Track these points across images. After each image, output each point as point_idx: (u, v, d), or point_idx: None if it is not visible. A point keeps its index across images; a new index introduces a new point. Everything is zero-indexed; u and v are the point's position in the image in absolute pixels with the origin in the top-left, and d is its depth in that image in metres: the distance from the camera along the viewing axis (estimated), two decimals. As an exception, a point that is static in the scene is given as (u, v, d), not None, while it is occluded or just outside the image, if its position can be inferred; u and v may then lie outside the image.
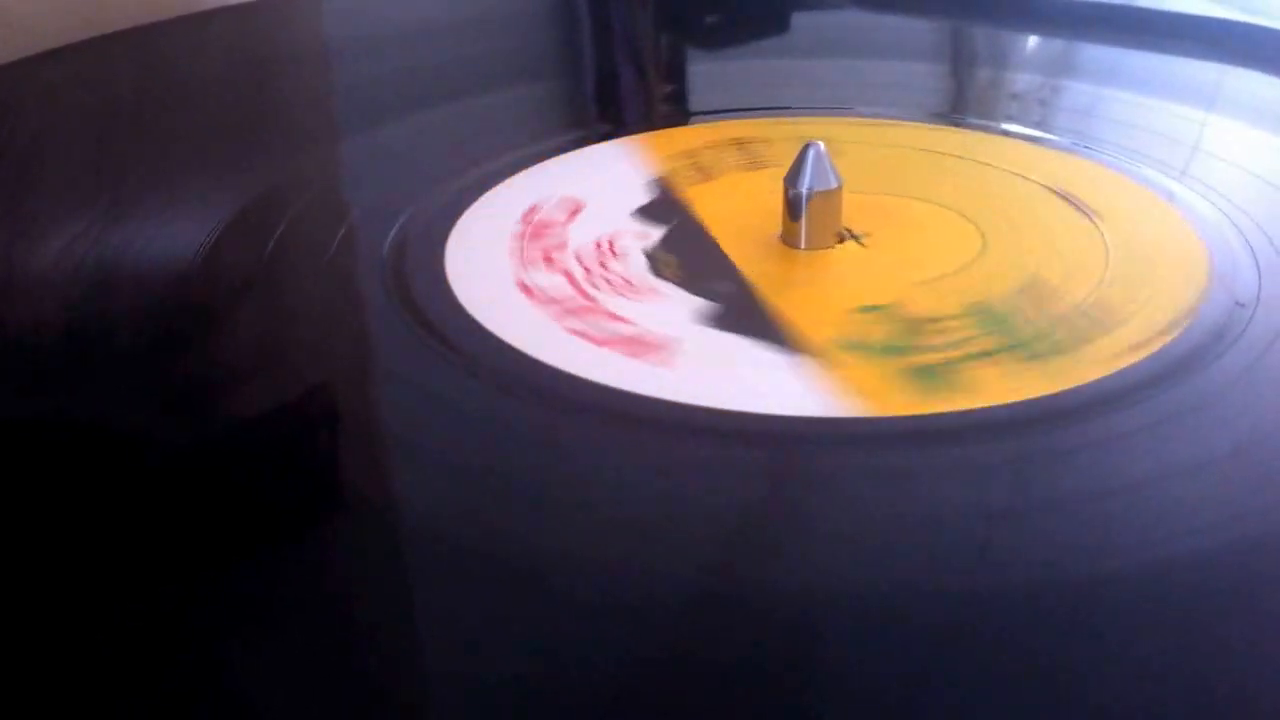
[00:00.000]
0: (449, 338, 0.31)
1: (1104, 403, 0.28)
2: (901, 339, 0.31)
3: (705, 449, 0.28)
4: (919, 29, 0.57)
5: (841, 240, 0.35)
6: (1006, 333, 0.31)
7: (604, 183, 0.40)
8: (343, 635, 0.22)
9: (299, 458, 0.27)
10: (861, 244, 0.35)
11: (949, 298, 0.32)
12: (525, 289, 0.34)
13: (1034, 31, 0.55)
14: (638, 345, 0.31)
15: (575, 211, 0.38)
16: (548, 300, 0.33)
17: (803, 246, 0.35)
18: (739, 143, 0.42)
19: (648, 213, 0.38)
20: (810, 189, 0.35)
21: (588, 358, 0.30)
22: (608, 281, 0.34)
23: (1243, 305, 0.31)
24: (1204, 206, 0.37)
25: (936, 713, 0.20)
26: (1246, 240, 0.35)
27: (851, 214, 0.36)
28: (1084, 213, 0.37)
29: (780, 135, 0.42)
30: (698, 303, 0.33)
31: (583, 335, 0.31)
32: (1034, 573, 0.23)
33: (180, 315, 0.33)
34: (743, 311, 0.32)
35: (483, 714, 0.20)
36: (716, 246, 0.36)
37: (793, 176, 0.35)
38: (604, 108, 0.51)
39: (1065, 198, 0.38)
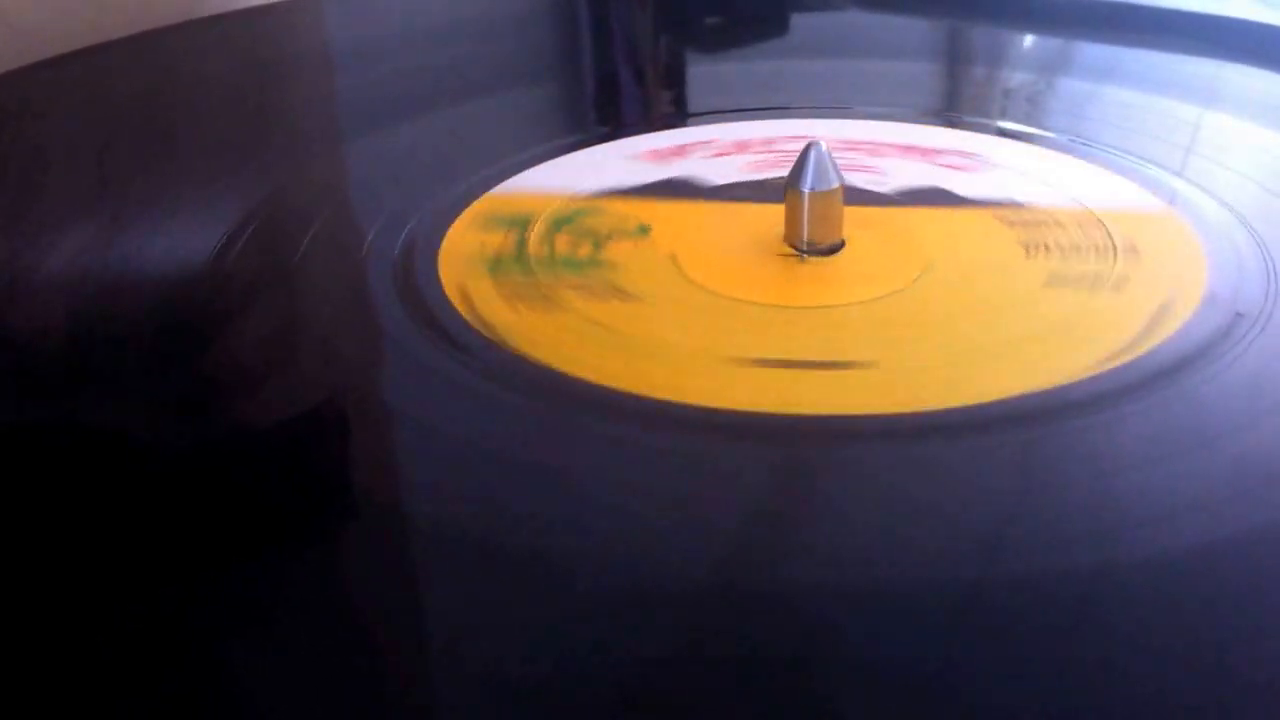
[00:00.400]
0: (457, 339, 0.31)
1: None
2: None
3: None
4: (917, 29, 0.57)
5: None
6: None
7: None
8: (353, 636, 0.22)
9: (307, 461, 0.27)
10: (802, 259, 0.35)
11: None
12: None
13: (1033, 31, 0.55)
14: None
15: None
16: None
17: (803, 246, 0.35)
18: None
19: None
20: (811, 188, 0.35)
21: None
22: None
23: (1241, 314, 0.31)
24: (1204, 202, 0.37)
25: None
26: (1249, 238, 0.35)
27: (864, 222, 0.36)
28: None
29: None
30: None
31: None
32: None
33: (189, 319, 0.33)
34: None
35: (489, 713, 0.20)
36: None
37: (793, 176, 0.35)
38: (603, 109, 0.52)
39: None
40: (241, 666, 0.21)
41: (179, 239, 0.36)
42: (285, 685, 0.21)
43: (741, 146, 0.43)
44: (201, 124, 0.45)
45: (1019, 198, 0.38)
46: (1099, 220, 0.36)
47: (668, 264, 0.35)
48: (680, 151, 0.43)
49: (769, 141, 0.42)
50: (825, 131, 0.42)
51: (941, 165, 0.41)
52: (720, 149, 0.43)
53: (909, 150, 0.42)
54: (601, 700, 0.21)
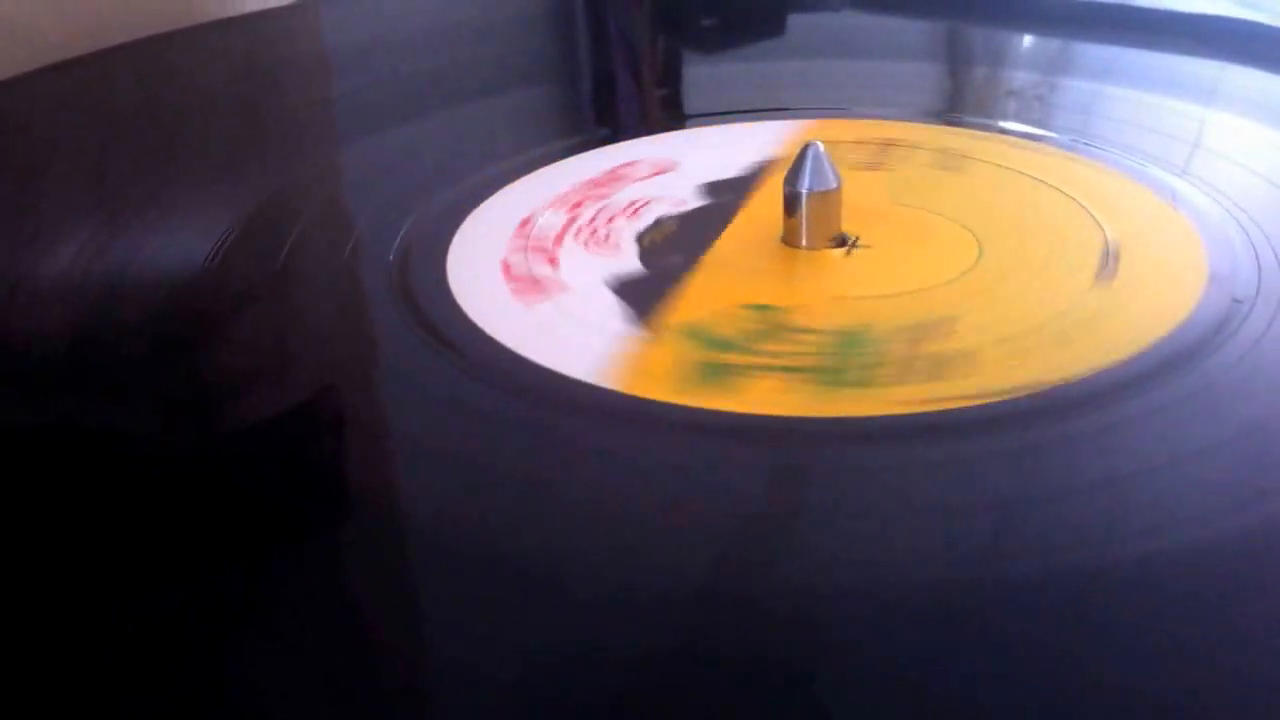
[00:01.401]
0: (455, 343, 0.31)
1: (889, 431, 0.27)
2: (743, 338, 0.31)
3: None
4: (916, 29, 0.57)
5: (840, 245, 0.35)
6: (841, 357, 0.30)
7: (716, 153, 0.41)
8: (350, 636, 0.22)
9: (305, 462, 0.27)
10: (848, 252, 0.35)
11: (844, 315, 0.32)
12: (523, 223, 0.35)
13: (1032, 31, 0.55)
14: (529, 284, 0.33)
15: (659, 171, 0.40)
16: (525, 235, 0.35)
17: (803, 245, 0.35)
18: (887, 144, 0.42)
19: (712, 188, 0.39)
20: (809, 188, 0.34)
21: (488, 283, 0.33)
22: (593, 233, 0.35)
23: (1240, 301, 0.31)
24: (1204, 202, 0.37)
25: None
26: (1247, 236, 0.34)
27: (861, 221, 0.36)
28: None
29: (926, 141, 0.42)
30: (633, 266, 0.34)
31: (506, 267, 0.34)
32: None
33: (188, 323, 0.33)
34: (653, 284, 0.33)
35: (488, 714, 0.20)
36: (720, 230, 0.36)
37: (792, 176, 0.35)
38: (602, 111, 0.52)
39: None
40: (239, 665, 0.21)
41: (178, 242, 0.36)
42: (282, 684, 0.21)
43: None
44: (201, 128, 0.46)
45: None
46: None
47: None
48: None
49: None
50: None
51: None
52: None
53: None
54: (588, 701, 0.20)
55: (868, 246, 0.35)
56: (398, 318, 0.32)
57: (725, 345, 0.30)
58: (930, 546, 0.23)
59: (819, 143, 0.35)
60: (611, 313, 0.32)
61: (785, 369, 0.29)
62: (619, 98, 0.53)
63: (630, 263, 0.34)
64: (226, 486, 0.26)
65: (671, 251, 0.35)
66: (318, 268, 0.35)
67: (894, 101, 0.46)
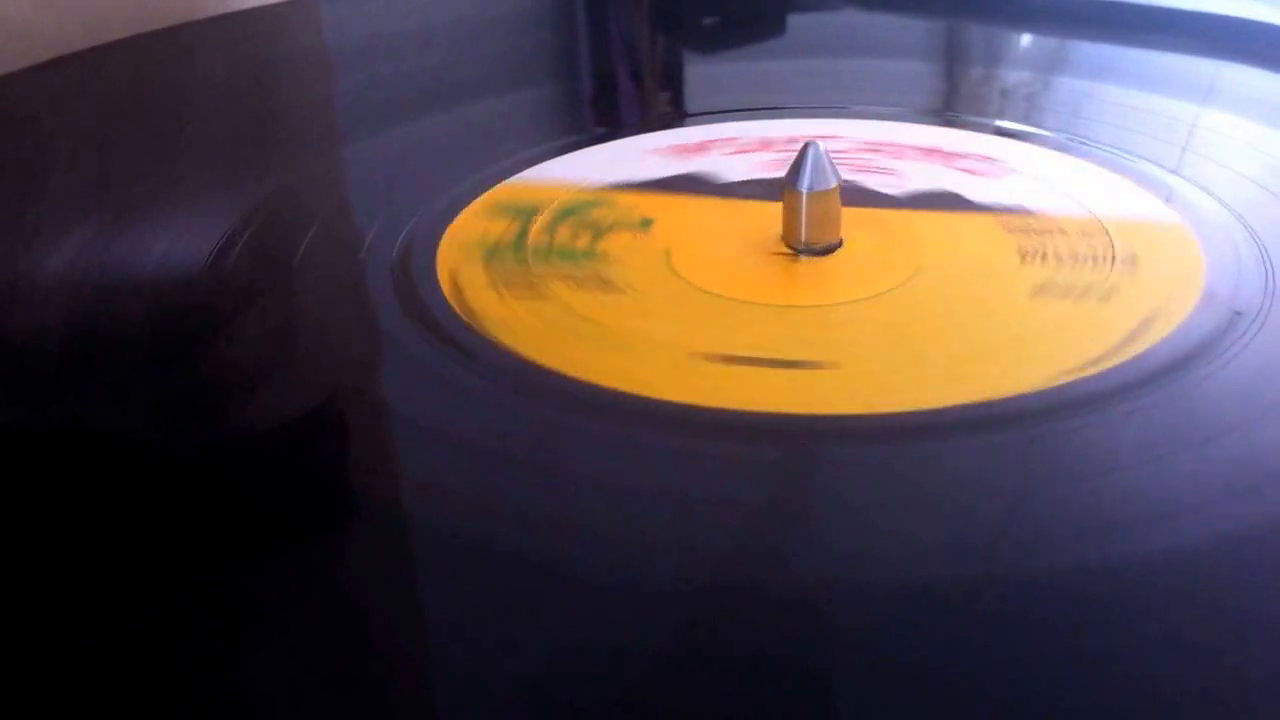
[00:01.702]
0: (457, 340, 0.31)
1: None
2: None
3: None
4: (915, 29, 0.57)
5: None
6: None
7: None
8: (353, 635, 0.22)
9: (306, 461, 0.27)
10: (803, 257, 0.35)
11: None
12: None
13: (1030, 30, 0.55)
14: None
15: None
16: None
17: (802, 246, 0.35)
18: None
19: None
20: (809, 188, 0.34)
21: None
22: None
23: (1239, 313, 0.31)
24: (1200, 200, 0.37)
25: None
26: (1247, 237, 0.34)
27: (866, 223, 0.36)
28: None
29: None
30: None
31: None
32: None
33: (189, 320, 0.33)
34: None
35: (489, 712, 0.20)
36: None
37: (792, 176, 0.35)
38: (601, 110, 0.51)
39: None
40: (243, 666, 0.21)
41: (178, 239, 0.36)
42: (278, 683, 0.21)
43: (764, 144, 0.43)
44: (200, 126, 0.45)
45: (1030, 204, 0.37)
46: (1105, 229, 0.36)
47: (661, 259, 0.35)
48: (702, 147, 0.43)
49: (792, 140, 0.42)
50: (851, 131, 0.42)
51: (959, 169, 0.40)
52: (742, 146, 0.43)
53: (931, 153, 0.42)
54: (582, 695, 0.20)
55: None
56: (395, 311, 0.32)
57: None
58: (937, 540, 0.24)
59: (819, 142, 0.35)
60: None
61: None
62: (618, 97, 0.53)
63: None
64: (227, 485, 0.26)
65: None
66: (318, 264, 0.35)
67: (891, 101, 0.46)
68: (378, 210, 0.38)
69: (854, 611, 0.22)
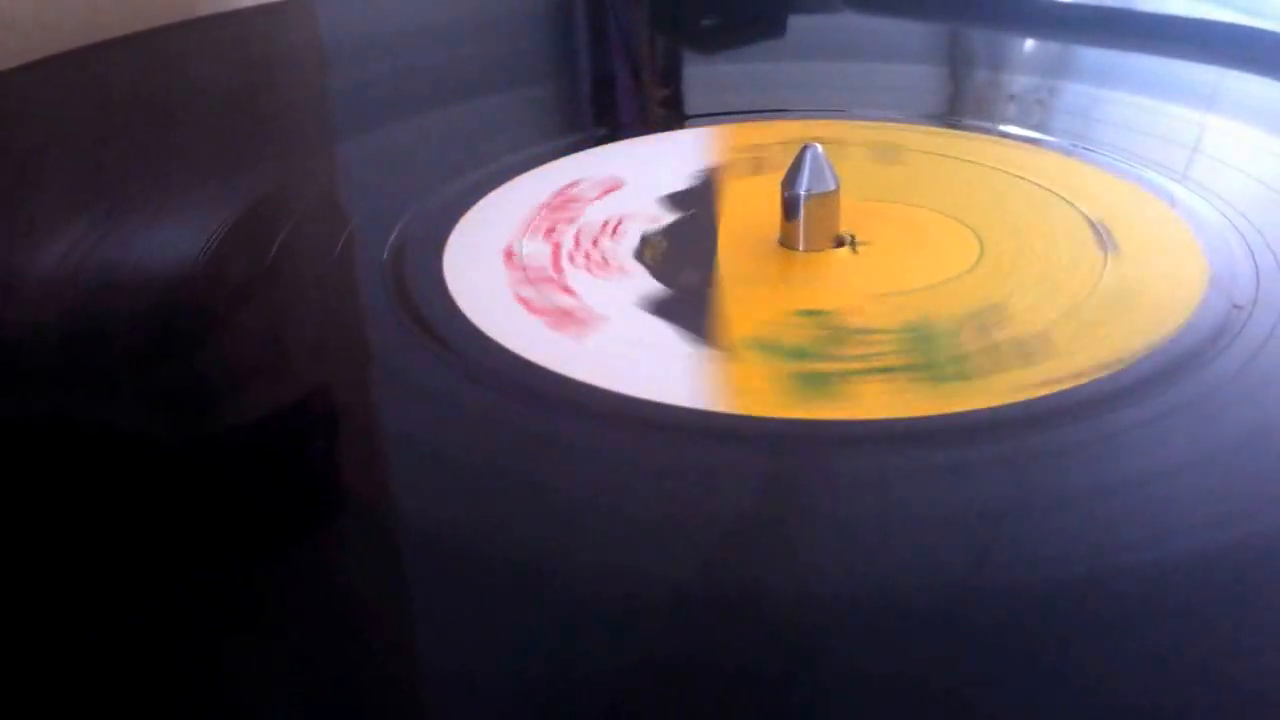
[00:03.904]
0: (449, 341, 0.31)
1: (994, 426, 0.27)
2: (815, 345, 0.30)
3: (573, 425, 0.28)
4: (915, 31, 0.57)
5: (840, 245, 0.35)
6: (925, 353, 0.30)
7: (653, 167, 0.41)
8: (343, 636, 0.22)
9: (298, 460, 0.27)
10: (854, 250, 0.35)
11: (897, 312, 0.32)
12: (508, 254, 0.34)
13: (1032, 34, 0.55)
14: (565, 318, 0.31)
15: (609, 190, 0.38)
16: (519, 266, 0.34)
17: (800, 248, 0.35)
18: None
19: (675, 200, 0.38)
20: (808, 191, 0.34)
21: (517, 323, 0.31)
22: (586, 257, 0.35)
23: (1239, 307, 0.31)
24: (1203, 208, 0.37)
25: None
26: (1245, 241, 0.34)
27: (855, 219, 0.35)
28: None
29: (855, 139, 0.42)
30: (653, 287, 0.33)
31: (526, 302, 0.32)
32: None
33: (181, 319, 0.33)
34: (686, 301, 0.32)
35: (480, 715, 0.20)
36: (714, 239, 0.36)
37: (790, 178, 0.35)
38: (600, 110, 0.52)
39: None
40: (232, 665, 0.21)
41: (174, 237, 0.36)
42: (273, 682, 0.21)
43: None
44: (196, 123, 0.45)
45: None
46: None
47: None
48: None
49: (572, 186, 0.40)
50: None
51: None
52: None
53: None
54: (568, 702, 0.20)
55: (865, 243, 0.35)
56: (392, 315, 0.32)
57: (802, 354, 0.30)
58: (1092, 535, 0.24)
59: (817, 145, 0.35)
60: (664, 335, 0.31)
61: (878, 370, 0.29)
62: (618, 97, 0.53)
63: (647, 283, 0.33)
64: (217, 483, 0.26)
65: (680, 266, 0.34)
66: (311, 264, 0.35)
67: (892, 104, 0.46)
68: (374, 207, 0.38)
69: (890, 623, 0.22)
